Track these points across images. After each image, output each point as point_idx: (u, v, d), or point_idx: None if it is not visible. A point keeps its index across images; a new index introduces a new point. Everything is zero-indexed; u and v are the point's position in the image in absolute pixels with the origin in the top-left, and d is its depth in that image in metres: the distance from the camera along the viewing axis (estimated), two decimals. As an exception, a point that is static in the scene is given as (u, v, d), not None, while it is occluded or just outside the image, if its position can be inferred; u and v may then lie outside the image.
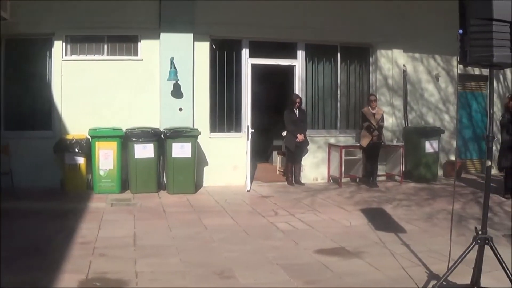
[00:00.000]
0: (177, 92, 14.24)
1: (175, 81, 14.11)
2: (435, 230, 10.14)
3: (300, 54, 16.00)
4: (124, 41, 14.40)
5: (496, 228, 10.14)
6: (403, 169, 16.27)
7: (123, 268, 7.32)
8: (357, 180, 16.12)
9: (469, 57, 6.05)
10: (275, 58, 15.62)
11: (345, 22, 15.96)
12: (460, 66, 6.43)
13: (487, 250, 6.16)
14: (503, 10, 5.82)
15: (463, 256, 6.19)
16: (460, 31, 6.10)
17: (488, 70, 6.31)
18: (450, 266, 6.24)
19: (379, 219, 11.04)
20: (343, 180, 15.59)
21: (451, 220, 6.83)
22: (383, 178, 16.51)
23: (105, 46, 14.31)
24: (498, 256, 6.03)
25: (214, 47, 14.88)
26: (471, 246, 6.25)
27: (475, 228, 6.41)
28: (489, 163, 6.39)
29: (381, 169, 16.36)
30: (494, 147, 16.20)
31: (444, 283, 6.35)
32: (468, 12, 6.04)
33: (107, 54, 14.29)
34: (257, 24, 14.90)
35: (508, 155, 13.50)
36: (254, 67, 14.77)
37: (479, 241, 6.23)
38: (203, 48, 14.64)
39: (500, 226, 10.51)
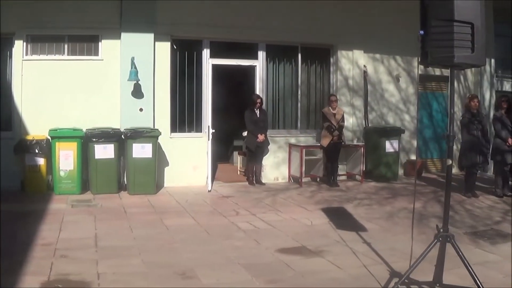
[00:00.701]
0: (137, 92, 14.26)
1: (135, 81, 14.12)
2: (396, 229, 10.33)
3: (261, 54, 16.12)
4: (85, 41, 14.34)
5: (457, 226, 10.44)
6: (364, 169, 16.52)
7: (85, 270, 7.31)
8: (318, 179, 16.29)
9: (430, 58, 6.18)
10: (236, 58, 15.69)
11: (306, 23, 16.17)
12: (421, 66, 6.58)
13: (449, 248, 6.29)
14: (464, 11, 5.96)
15: (425, 253, 6.32)
16: (421, 32, 6.20)
17: (449, 70, 6.49)
18: (412, 263, 6.37)
19: (340, 218, 11.18)
20: (304, 179, 15.73)
21: (412, 218, 6.95)
22: (344, 177, 16.71)
23: (66, 46, 14.23)
24: (460, 253, 6.16)
25: (175, 47, 14.91)
26: (433, 243, 6.37)
27: (437, 226, 6.54)
28: (450, 161, 6.51)
29: (341, 169, 16.54)
30: (454, 147, 16.72)
31: (406, 280, 6.45)
32: (429, 13, 6.16)
33: (68, 54, 14.21)
34: (218, 25, 14.99)
35: (469, 154, 13.87)
36: (215, 67, 14.85)
37: (440, 238, 6.35)
38: (164, 48, 14.65)
39: (462, 224, 10.82)
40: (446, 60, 6.11)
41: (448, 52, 5.97)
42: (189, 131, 15.28)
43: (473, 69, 19.08)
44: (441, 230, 6.40)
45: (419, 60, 6.40)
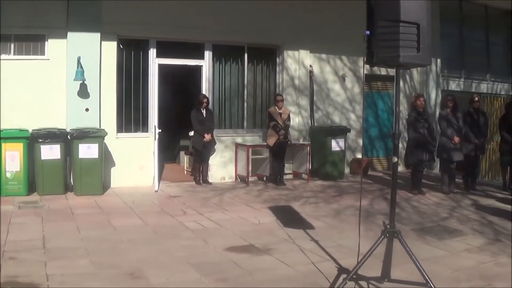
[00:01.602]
0: (83, 92, 14.13)
1: (81, 81, 14.00)
2: (343, 226, 10.52)
3: (207, 54, 16.17)
4: (31, 40, 14.14)
5: (404, 223, 10.73)
6: (310, 167, 16.68)
7: (33, 271, 7.26)
8: (265, 178, 16.42)
9: (376, 58, 6.29)
10: (182, 58, 15.75)
11: (252, 23, 16.28)
12: (367, 66, 6.73)
13: (398, 244, 6.42)
14: (410, 12, 6.08)
15: (372, 249, 6.40)
16: (367, 32, 6.31)
17: (394, 70, 6.66)
18: (359, 259, 6.45)
19: (287, 216, 11.31)
20: (251, 179, 15.86)
21: (359, 214, 7.07)
22: (290, 176, 16.89)
23: (12, 45, 14.03)
24: (407, 248, 6.29)
25: (121, 46, 14.82)
26: (380, 239, 6.49)
27: (383, 222, 6.72)
28: (395, 159, 6.65)
29: (288, 168, 16.75)
30: (400, 145, 17.07)
31: (354, 276, 6.56)
32: (376, 14, 6.27)
33: (14, 54, 14.01)
34: (165, 24, 14.98)
35: (414, 152, 14.21)
36: (161, 67, 14.99)
37: (387, 234, 6.49)
38: (110, 48, 14.56)
39: (409, 221, 11.10)
40: (391, 60, 6.23)
41: (394, 52, 6.10)
42: (136, 131, 15.23)
43: (419, 68, 19.49)
44: (388, 226, 6.55)
45: (365, 60, 6.49)
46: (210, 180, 15.70)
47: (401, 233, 6.50)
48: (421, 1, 6.17)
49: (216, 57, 16.40)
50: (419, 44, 6.10)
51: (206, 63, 16.18)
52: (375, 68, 16.64)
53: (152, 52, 15.30)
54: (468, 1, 22.41)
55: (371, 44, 6.31)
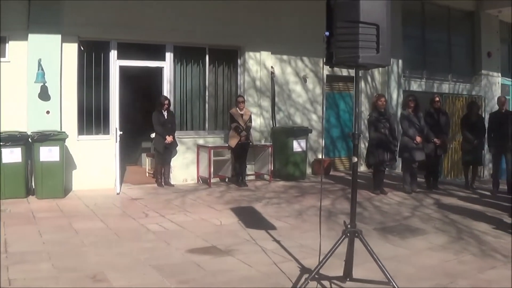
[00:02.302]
0: (44, 94, 14.02)
1: (42, 83, 13.88)
2: (305, 226, 10.65)
3: (169, 56, 16.17)
4: (-9, 42, 14.08)
5: (366, 223, 10.91)
6: (272, 168, 16.83)
7: None
8: (227, 180, 16.53)
9: (335, 58, 6.32)
10: (143, 60, 15.79)
11: (213, 24, 16.30)
12: (329, 67, 6.79)
13: (360, 243, 6.46)
14: (369, 13, 6.13)
15: (334, 249, 6.42)
16: (327, 33, 6.38)
17: (354, 70, 6.78)
18: (321, 259, 6.45)
19: (250, 217, 11.40)
20: (213, 180, 15.92)
21: (319, 214, 7.20)
22: (252, 177, 17.02)
23: (-28, 48, 13.92)
24: (368, 247, 6.35)
25: (82, 48, 14.73)
26: (341, 239, 6.51)
27: (344, 222, 6.75)
28: (355, 159, 6.74)
29: (250, 169, 16.88)
30: (362, 145, 17.28)
31: (316, 276, 6.57)
32: (335, 15, 6.30)
33: (-26, 56, 13.89)
34: (126, 26, 14.93)
35: (375, 152, 14.38)
36: (122, 69, 14.96)
37: (348, 234, 6.52)
38: (71, 50, 14.44)
39: (371, 220, 11.29)
40: (351, 61, 6.26)
41: (353, 52, 6.15)
42: (97, 133, 15.17)
43: (380, 69, 19.75)
44: (349, 226, 6.59)
45: (324, 60, 6.54)
46: (172, 182, 15.71)
47: (362, 233, 6.54)
48: (381, 1, 6.23)
49: (177, 59, 16.41)
50: (379, 45, 6.15)
51: (167, 64, 16.17)
52: (337, 69, 16.73)
53: (113, 54, 15.25)
54: (431, 2, 22.74)
55: (331, 45, 6.37)
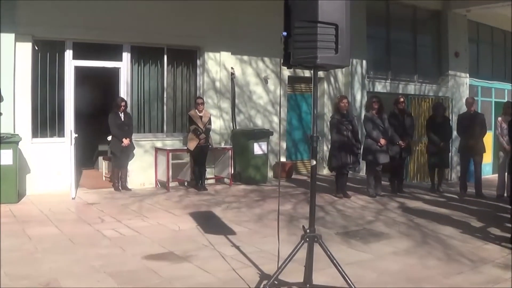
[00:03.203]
0: (-4, 95, 13.96)
1: None
2: (265, 231, 10.71)
3: (126, 56, 16.15)
4: None
5: (328, 227, 11.02)
6: (232, 172, 16.92)
7: None
8: (186, 184, 16.55)
9: (293, 59, 6.36)
10: (100, 60, 15.71)
11: (172, 24, 16.36)
12: (287, 68, 6.86)
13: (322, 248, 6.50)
14: (328, 13, 6.17)
15: (292, 254, 6.48)
16: (284, 33, 6.44)
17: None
18: (280, 265, 6.50)
19: (209, 222, 11.47)
20: (171, 184, 15.99)
21: (277, 218, 7.44)
22: (212, 181, 17.11)
23: None
24: (328, 253, 6.43)
25: (36, 48, 14.63)
26: (300, 244, 6.54)
27: (303, 226, 6.75)
28: (313, 162, 6.70)
29: (209, 172, 16.93)
30: (325, 148, 17.40)
31: (276, 282, 6.60)
32: (293, 14, 6.34)
33: None
34: (82, 25, 14.84)
35: (338, 155, 14.44)
36: (78, 69, 14.80)
37: (307, 239, 6.54)
38: (25, 50, 14.32)
39: (333, 224, 11.38)
40: (309, 61, 6.30)
41: (311, 53, 6.20)
42: (51, 136, 15.08)
43: (344, 70, 19.94)
44: (308, 230, 6.61)
45: (282, 61, 6.60)
46: (129, 186, 15.71)
47: (321, 237, 6.59)
48: (340, 1, 6.28)
49: (134, 59, 16.41)
50: (338, 45, 6.21)
51: (124, 65, 16.15)
52: (299, 70, 16.90)
53: (68, 54, 15.15)
54: (396, 2, 22.95)
55: (288, 45, 6.43)
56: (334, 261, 6.41)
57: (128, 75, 16.25)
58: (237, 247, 9.34)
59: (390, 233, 10.73)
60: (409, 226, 11.41)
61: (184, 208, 13.06)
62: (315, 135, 6.67)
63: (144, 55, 16.65)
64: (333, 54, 6.26)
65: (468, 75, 25.78)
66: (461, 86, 25.39)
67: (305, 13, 6.28)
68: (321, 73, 19.19)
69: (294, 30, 6.34)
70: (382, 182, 15.46)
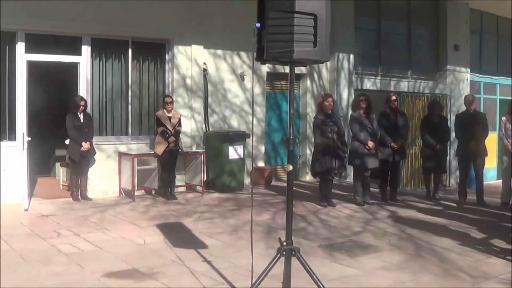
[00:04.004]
0: None
1: None
2: (240, 244, 10.68)
3: (85, 49, 15.98)
4: None
5: (311, 239, 11.05)
6: (205, 178, 16.94)
7: None
8: (153, 192, 16.55)
9: (267, 53, 6.37)
10: (56, 54, 15.55)
11: (137, 14, 16.31)
12: (260, 63, 6.86)
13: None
14: (306, 2, 6.20)
15: (267, 270, 6.54)
16: (257, 24, 6.45)
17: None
18: (253, 281, 6.57)
19: (178, 235, 11.46)
20: (137, 193, 15.94)
21: (251, 229, 7.38)
22: (183, 189, 17.13)
23: None
24: (307, 267, 6.50)
25: None
26: (276, 258, 6.62)
27: (279, 238, 6.87)
28: (290, 167, 6.88)
29: (180, 179, 16.98)
30: (308, 151, 17.43)
31: None
32: (268, 3, 6.37)
33: None
34: (36, 15, 14.62)
35: (322, 159, 14.46)
36: (31, 64, 14.81)
37: (284, 252, 6.62)
38: None
39: (316, 236, 11.40)
40: (284, 56, 6.35)
41: (287, 46, 6.22)
42: (1, 139, 14.85)
43: (328, 65, 20.06)
44: (285, 243, 6.70)
45: (255, 56, 6.61)
46: (89, 196, 15.59)
47: (300, 250, 6.67)
48: None
49: (95, 53, 16.30)
50: (316, 38, 6.23)
51: (84, 59, 15.99)
52: (279, 66, 16.94)
53: (20, 47, 14.99)
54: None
55: (262, 38, 6.44)
56: (315, 277, 6.48)
57: (88, 71, 16.09)
58: (209, 262, 9.31)
59: (379, 245, 10.75)
60: (401, 237, 11.44)
61: (151, 219, 13.05)
62: (291, 137, 6.72)
63: (106, 48, 16.58)
64: (312, 48, 6.29)
65: (469, 70, 25.86)
66: (461, 83, 25.49)
67: (280, 3, 6.31)
68: (303, 69, 19.26)
69: (268, 21, 6.36)
70: (372, 189, 15.51)
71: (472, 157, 15.78)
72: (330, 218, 13.35)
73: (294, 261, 6.72)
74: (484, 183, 16.13)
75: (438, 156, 16.16)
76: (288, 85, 6.70)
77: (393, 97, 15.75)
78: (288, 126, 6.80)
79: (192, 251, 10.05)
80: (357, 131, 14.82)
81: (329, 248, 10.43)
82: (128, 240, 11.10)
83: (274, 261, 6.63)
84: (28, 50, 15.09)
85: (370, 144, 14.69)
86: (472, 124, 15.59)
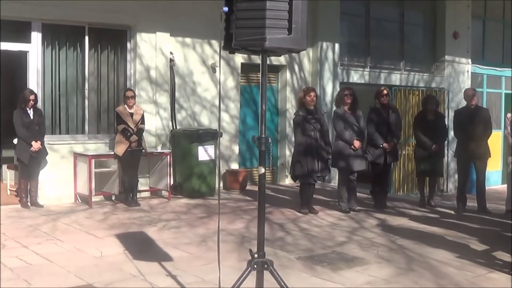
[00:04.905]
0: None
1: None
2: (210, 256, 10.52)
3: (36, 36, 15.92)
4: None
5: (289, 250, 11.04)
6: (172, 182, 16.97)
7: None
8: (113, 198, 16.49)
9: (235, 41, 6.34)
10: (2, 41, 15.39)
11: (95, -3, 16.24)
12: (228, 53, 6.83)
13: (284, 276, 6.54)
14: None
15: (237, 285, 6.53)
16: (225, 8, 6.40)
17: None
18: None
19: (139, 246, 11.41)
20: (95, 198, 15.88)
21: (217, 240, 7.32)
22: (147, 194, 17.19)
23: None
24: (282, 284, 6.54)
25: None
26: (246, 272, 6.63)
27: (250, 250, 6.87)
28: (262, 170, 6.80)
29: (143, 183, 16.95)
30: (288, 152, 17.44)
31: None
32: None
33: None
34: None
35: (303, 160, 14.44)
36: None
37: (255, 266, 6.63)
38: None
39: (295, 247, 11.38)
40: (255, 44, 6.31)
41: (258, 33, 6.15)
42: None
43: (311, 56, 20.12)
44: (256, 255, 6.71)
45: (222, 44, 6.61)
46: (40, 202, 15.48)
47: (273, 264, 6.69)
48: None
49: (47, 41, 16.23)
50: (291, 24, 6.20)
51: (34, 48, 15.94)
52: (255, 56, 16.84)
53: (-41, 33, 14.98)
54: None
55: (230, 24, 6.41)
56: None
57: (38, 61, 16.04)
58: (174, 277, 9.26)
59: (366, 257, 10.73)
60: (390, 249, 11.44)
61: (110, 229, 13.00)
62: (263, 136, 6.67)
63: (60, 35, 16.52)
64: (286, 35, 6.26)
65: (470, 60, 25.96)
66: (461, 75, 25.58)
67: (251, -17, 6.25)
68: (282, 60, 19.33)
69: (237, 5, 6.33)
70: (359, 194, 15.56)
71: (472, 158, 15.60)
72: (311, 227, 13.37)
73: (268, 276, 6.75)
74: (486, 187, 16.09)
75: (434, 157, 16.14)
76: (260, 78, 6.66)
77: (384, 92, 15.66)
78: (260, 124, 6.77)
79: (155, 264, 9.97)
80: (342, 130, 14.83)
81: (309, 261, 10.42)
82: (83, 252, 11.00)
83: (244, 275, 6.63)
84: (-32, 36, 15.07)
85: (356, 144, 14.71)
86: (473, 122, 15.41)
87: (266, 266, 6.66)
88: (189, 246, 11.49)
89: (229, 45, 6.51)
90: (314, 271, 9.81)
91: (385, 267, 10.12)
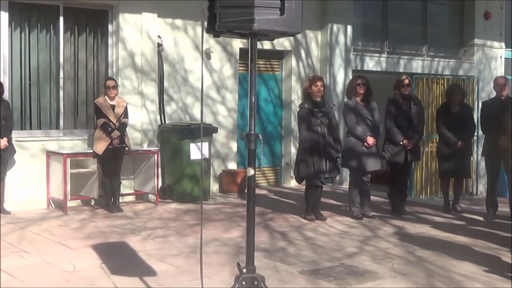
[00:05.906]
0: None
1: None
2: (199, 269, 10.47)
3: (3, 17, 15.83)
4: None
5: (291, 262, 10.94)
6: (160, 185, 16.91)
7: None
8: (92, 202, 16.46)
9: (219, 23, 6.21)
10: None
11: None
12: (212, 36, 6.73)
13: None
14: None
15: None
16: None
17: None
18: None
19: (119, 258, 11.29)
20: (71, 203, 15.78)
21: (200, 252, 7.52)
22: (131, 198, 17.16)
23: None
24: None
25: None
26: None
27: (238, 264, 6.76)
28: (251, 171, 6.71)
29: (127, 186, 16.94)
30: (293, 150, 17.41)
31: None
32: None
33: None
34: None
35: (309, 160, 14.31)
36: None
37: (244, 282, 6.55)
38: None
39: (297, 259, 11.25)
40: (242, 26, 6.18)
41: (246, 14, 6.02)
42: None
43: (320, 40, 20.06)
44: (244, 270, 6.62)
45: (206, 26, 6.49)
46: (7, 208, 15.40)
47: (264, 280, 6.64)
48: None
49: (15, 22, 16.16)
50: (284, 4, 6.10)
51: (1, 31, 15.84)
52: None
53: None
54: None
55: (214, 4, 6.27)
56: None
57: (5, 45, 15.94)
58: (156, 294, 9.19)
59: (379, 271, 10.62)
60: (408, 261, 11.34)
61: (86, 238, 12.89)
62: (252, 132, 6.62)
63: (31, 16, 16.45)
64: (277, 17, 6.16)
65: (503, 44, 25.85)
66: (493, 61, 25.50)
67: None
68: (287, 45, 19.30)
69: (221, -18, 6.23)
70: (373, 197, 15.53)
71: (503, 156, 15.29)
72: (318, 236, 13.28)
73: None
74: (521, 190, 15.99)
75: (459, 155, 15.98)
76: (249, 65, 6.55)
77: (406, 81, 15.52)
78: (249, 118, 6.71)
79: (136, 280, 9.81)
80: (353, 124, 14.73)
81: (313, 275, 10.32)
82: (53, 265, 10.86)
83: (232, 293, 6.53)
84: None
85: (370, 140, 14.63)
86: (503, 114, 14.99)
87: (256, 282, 6.56)
88: (176, 258, 11.38)
89: (213, 28, 6.36)
90: (318, 286, 9.71)
91: (401, 283, 9.98)
